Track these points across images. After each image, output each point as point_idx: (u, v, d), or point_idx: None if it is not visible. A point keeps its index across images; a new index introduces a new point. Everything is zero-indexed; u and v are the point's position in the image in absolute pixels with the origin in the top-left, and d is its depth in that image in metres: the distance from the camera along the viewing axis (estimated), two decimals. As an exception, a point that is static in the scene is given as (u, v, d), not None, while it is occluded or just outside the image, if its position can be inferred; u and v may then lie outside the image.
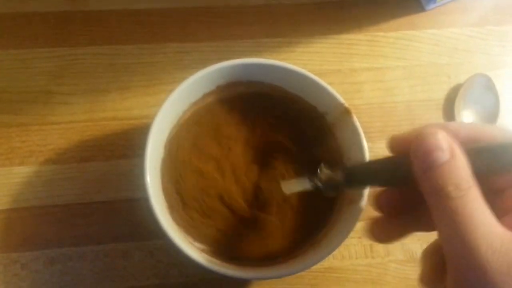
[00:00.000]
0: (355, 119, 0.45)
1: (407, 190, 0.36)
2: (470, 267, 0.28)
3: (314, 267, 0.42)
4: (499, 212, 0.31)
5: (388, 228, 0.38)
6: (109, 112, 0.52)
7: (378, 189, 0.38)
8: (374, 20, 0.59)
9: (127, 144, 0.51)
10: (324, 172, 0.40)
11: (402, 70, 0.58)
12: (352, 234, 0.42)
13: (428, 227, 0.36)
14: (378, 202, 0.37)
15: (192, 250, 0.41)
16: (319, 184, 0.40)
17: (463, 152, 0.30)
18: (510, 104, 0.58)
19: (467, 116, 0.55)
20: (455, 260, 0.30)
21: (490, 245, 0.28)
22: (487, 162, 0.31)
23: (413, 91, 0.57)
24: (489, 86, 0.56)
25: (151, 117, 0.42)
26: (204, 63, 0.44)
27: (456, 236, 0.29)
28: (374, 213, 0.49)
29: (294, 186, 0.43)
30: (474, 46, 0.60)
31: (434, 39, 0.60)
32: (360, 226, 0.49)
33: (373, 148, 0.45)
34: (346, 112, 0.45)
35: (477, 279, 0.28)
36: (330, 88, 0.45)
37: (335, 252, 0.49)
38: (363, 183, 0.40)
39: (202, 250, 0.43)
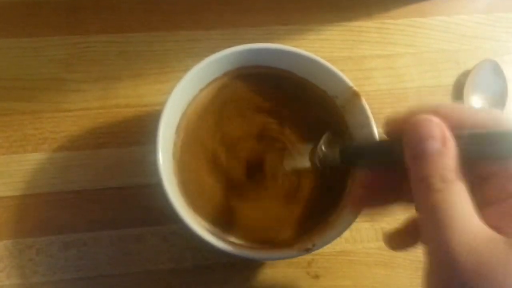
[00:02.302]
0: (364, 102, 0.45)
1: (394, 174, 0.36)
2: (444, 262, 0.29)
3: (327, 250, 0.43)
4: (483, 201, 0.31)
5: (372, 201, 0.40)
6: (121, 99, 0.52)
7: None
8: (384, 7, 0.59)
9: (140, 131, 0.51)
10: (322, 150, 0.40)
11: (411, 57, 0.58)
12: (363, 218, 0.42)
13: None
14: (363, 181, 0.38)
15: (205, 232, 0.41)
16: (317, 162, 0.41)
17: (453, 138, 0.30)
18: (518, 89, 0.58)
19: (476, 101, 0.56)
20: (432, 251, 0.30)
21: (463, 242, 0.28)
22: (477, 148, 0.31)
23: (422, 77, 0.57)
24: (497, 72, 0.57)
25: (164, 104, 0.42)
26: (215, 51, 0.45)
27: (434, 229, 0.29)
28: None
29: (294, 162, 0.44)
30: (482, 32, 0.61)
31: (443, 26, 0.60)
32: (371, 210, 0.49)
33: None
34: (355, 96, 0.45)
35: (449, 274, 0.28)
36: (338, 72, 0.46)
37: (347, 236, 0.50)
38: (357, 163, 0.41)
39: (214, 232, 0.44)
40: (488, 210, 0.30)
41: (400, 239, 0.39)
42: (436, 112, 0.32)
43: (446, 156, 0.30)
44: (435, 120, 0.31)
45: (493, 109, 0.55)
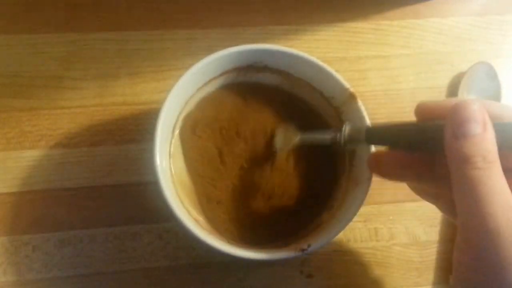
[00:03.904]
0: (360, 103, 0.45)
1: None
2: (482, 234, 0.30)
3: (321, 250, 0.43)
4: None
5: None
6: (118, 97, 0.52)
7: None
8: (379, 9, 0.60)
9: (136, 129, 0.51)
10: (349, 128, 0.42)
11: (406, 58, 0.58)
12: (357, 218, 0.43)
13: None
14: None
15: (200, 231, 0.41)
16: (341, 140, 0.42)
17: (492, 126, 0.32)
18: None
19: (470, 103, 0.56)
20: (471, 225, 0.31)
21: (506, 215, 0.30)
22: (510, 137, 0.33)
23: (417, 79, 0.58)
24: (491, 74, 0.57)
25: (160, 102, 0.43)
26: (212, 50, 0.45)
27: (475, 205, 0.31)
28: (379, 198, 0.50)
29: (312, 136, 0.45)
30: (477, 35, 0.61)
31: (438, 27, 0.60)
32: (365, 210, 0.50)
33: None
34: (351, 97, 0.46)
35: (488, 244, 0.30)
36: (335, 73, 0.46)
37: (341, 235, 0.51)
38: (382, 143, 0.42)
39: (209, 231, 0.44)
40: None
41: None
42: (477, 102, 0.33)
43: (486, 139, 0.32)
44: (478, 105, 0.33)
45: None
